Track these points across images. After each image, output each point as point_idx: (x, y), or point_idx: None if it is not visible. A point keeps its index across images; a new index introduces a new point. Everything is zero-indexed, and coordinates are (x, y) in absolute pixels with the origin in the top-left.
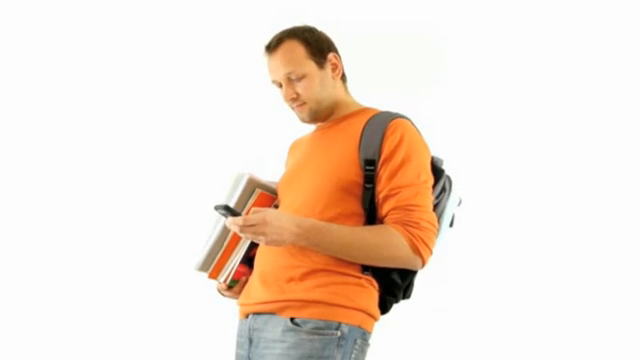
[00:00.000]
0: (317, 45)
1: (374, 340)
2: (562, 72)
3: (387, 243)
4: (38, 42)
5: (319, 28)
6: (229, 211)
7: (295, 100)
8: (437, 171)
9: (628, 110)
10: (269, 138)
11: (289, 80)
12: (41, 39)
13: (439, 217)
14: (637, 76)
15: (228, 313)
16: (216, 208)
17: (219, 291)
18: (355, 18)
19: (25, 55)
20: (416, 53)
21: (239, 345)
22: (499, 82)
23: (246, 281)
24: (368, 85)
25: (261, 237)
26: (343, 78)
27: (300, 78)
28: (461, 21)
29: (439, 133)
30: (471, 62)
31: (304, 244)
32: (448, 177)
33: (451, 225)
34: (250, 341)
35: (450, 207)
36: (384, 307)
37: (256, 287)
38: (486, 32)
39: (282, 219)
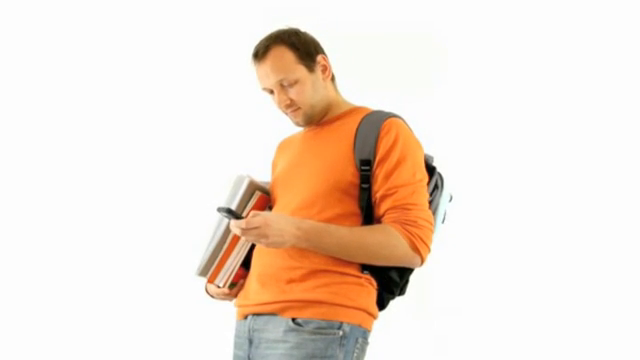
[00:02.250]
0: (305, 48)
1: (371, 339)
2: (562, 72)
3: (386, 242)
4: (32, 45)
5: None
6: (231, 214)
7: (289, 106)
8: (429, 169)
9: (627, 111)
10: (262, 138)
11: (281, 87)
12: (37, 41)
13: (433, 214)
14: (637, 76)
15: (225, 314)
16: (219, 210)
17: (212, 294)
18: (355, 18)
19: (21, 57)
20: (416, 53)
21: (237, 346)
22: (499, 82)
23: (243, 283)
24: (368, 85)
25: (262, 239)
26: (332, 78)
27: (292, 84)
28: (461, 21)
29: (439, 132)
30: (471, 62)
31: (304, 246)
32: (440, 174)
33: (443, 221)
34: (250, 342)
35: (443, 204)
36: (381, 304)
37: (255, 289)
38: (486, 32)
39: (282, 221)
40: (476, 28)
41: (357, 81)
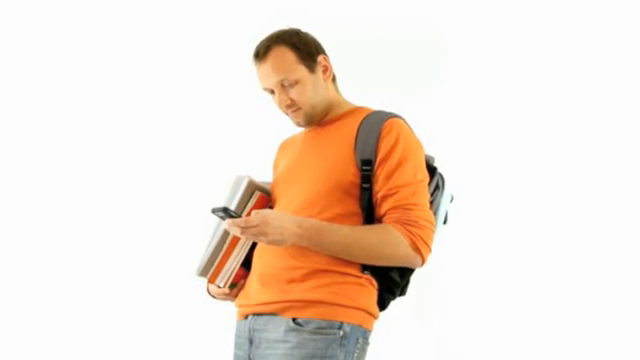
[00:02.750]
0: (306, 49)
1: (371, 339)
2: (561, 72)
3: (388, 242)
4: (32, 45)
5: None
6: (227, 213)
7: (290, 106)
8: (430, 169)
9: (627, 111)
10: (263, 138)
11: (282, 87)
12: (38, 41)
13: (434, 214)
14: (637, 76)
15: (225, 314)
16: (213, 211)
17: (213, 294)
18: (356, 19)
19: (21, 57)
20: (417, 53)
21: (238, 346)
22: (499, 82)
23: (244, 284)
24: (369, 85)
25: (262, 237)
26: (333, 78)
27: (293, 84)
28: (461, 22)
29: (439, 132)
30: (471, 62)
31: (305, 244)
32: (441, 175)
33: (444, 222)
34: (250, 342)
35: (444, 204)
36: (382, 304)
37: (255, 288)
38: (486, 32)
39: (283, 219)
40: (476, 29)
41: (358, 81)
